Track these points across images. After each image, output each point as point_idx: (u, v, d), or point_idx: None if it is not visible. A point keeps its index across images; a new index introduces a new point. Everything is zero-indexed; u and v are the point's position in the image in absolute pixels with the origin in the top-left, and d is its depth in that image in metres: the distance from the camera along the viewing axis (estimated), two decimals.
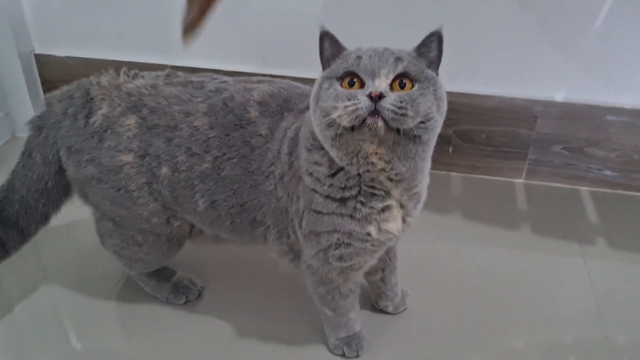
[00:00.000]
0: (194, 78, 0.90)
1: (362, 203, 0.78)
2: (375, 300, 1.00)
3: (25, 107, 1.41)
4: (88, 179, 0.88)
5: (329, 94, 0.72)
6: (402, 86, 0.72)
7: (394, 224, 0.80)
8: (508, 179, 1.33)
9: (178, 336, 0.96)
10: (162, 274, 1.03)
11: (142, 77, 0.91)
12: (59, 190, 0.93)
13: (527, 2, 1.18)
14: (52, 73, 1.41)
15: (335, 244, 0.81)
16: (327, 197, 0.79)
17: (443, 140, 1.32)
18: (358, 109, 0.69)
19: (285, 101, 0.86)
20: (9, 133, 1.45)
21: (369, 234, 0.79)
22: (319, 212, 0.80)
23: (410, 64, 0.72)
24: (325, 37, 0.75)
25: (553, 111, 1.25)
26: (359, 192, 0.77)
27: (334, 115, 0.70)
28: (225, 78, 0.91)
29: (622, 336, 0.96)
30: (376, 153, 0.73)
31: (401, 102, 0.69)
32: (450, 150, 1.33)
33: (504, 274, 1.07)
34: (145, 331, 0.97)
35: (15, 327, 0.98)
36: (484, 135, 1.29)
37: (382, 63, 0.71)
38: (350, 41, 0.76)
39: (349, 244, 0.81)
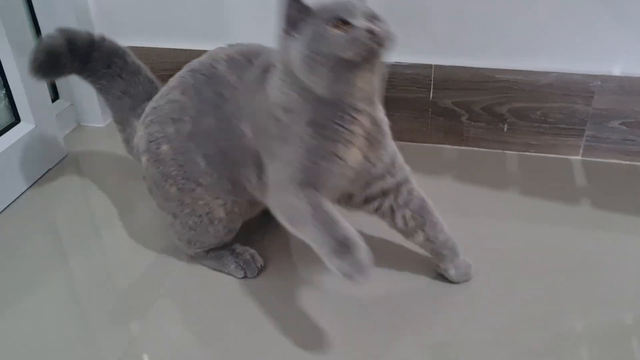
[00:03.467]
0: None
1: (333, 124, 0.83)
2: (437, 266, 0.99)
3: (89, 97, 1.47)
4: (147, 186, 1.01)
5: (321, 43, 0.78)
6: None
7: (358, 151, 0.86)
8: (565, 157, 1.32)
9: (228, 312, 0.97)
10: (224, 249, 1.03)
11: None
12: None
13: None
14: None
15: (308, 166, 0.84)
16: (286, 109, 0.85)
17: (497, 118, 1.32)
18: (364, 40, 0.76)
19: (254, 55, 0.92)
20: (74, 122, 1.52)
21: (339, 157, 0.84)
22: (285, 136, 0.85)
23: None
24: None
25: (610, 86, 1.23)
26: (334, 115, 0.83)
27: (340, 51, 0.77)
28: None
29: None
30: (364, 78, 0.81)
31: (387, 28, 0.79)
32: (505, 129, 1.32)
33: (564, 252, 1.06)
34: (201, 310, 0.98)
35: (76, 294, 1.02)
36: (539, 112, 1.29)
37: (354, 8, 0.79)
38: None
39: (318, 164, 0.84)
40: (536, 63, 1.26)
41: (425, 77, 1.32)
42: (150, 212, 1.14)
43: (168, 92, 0.95)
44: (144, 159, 0.97)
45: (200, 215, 0.96)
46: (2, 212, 1.20)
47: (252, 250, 1.03)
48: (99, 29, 1.45)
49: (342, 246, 0.79)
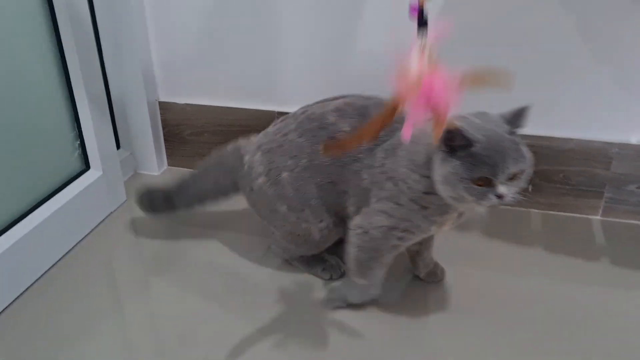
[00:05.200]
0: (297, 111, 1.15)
1: (436, 212, 0.99)
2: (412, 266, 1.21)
3: (148, 147, 1.60)
4: (248, 198, 1.20)
5: (460, 184, 0.90)
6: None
7: (449, 225, 1.04)
8: (585, 216, 1.42)
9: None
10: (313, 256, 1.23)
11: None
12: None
13: (604, 53, 1.29)
14: (172, 118, 1.60)
15: (402, 229, 1.02)
16: (412, 200, 0.99)
17: None
18: (486, 203, 0.90)
19: (362, 107, 1.06)
20: (132, 170, 1.65)
21: (429, 230, 1.03)
22: (399, 204, 1.01)
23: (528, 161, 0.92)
24: (456, 134, 0.88)
25: (628, 153, 1.34)
26: (439, 206, 0.98)
27: (462, 199, 0.92)
28: (315, 110, 1.12)
29: None
30: None
31: (517, 192, 0.92)
32: (530, 189, 1.43)
33: (583, 307, 1.14)
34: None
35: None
36: (562, 175, 1.39)
37: (508, 163, 0.89)
38: None
39: (412, 232, 1.03)
40: (559, 130, 1.37)
41: None
42: (200, 255, 1.26)
43: (287, 132, 1.12)
44: (260, 180, 1.14)
45: (298, 235, 1.14)
46: (65, 255, 1.30)
47: (337, 258, 1.23)
48: (160, 89, 1.59)
49: (364, 291, 1.11)
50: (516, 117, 0.94)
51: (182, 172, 1.39)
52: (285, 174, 1.11)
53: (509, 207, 1.45)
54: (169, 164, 1.68)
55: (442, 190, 0.93)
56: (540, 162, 1.39)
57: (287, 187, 1.11)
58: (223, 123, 1.57)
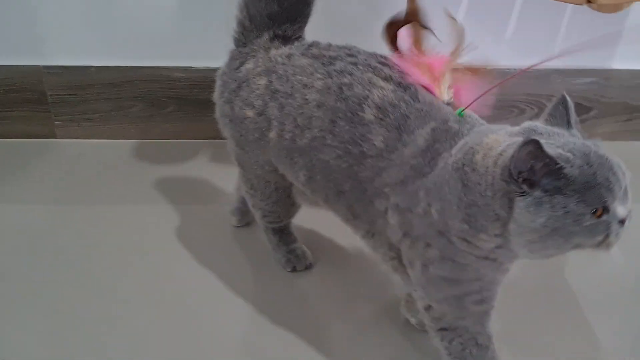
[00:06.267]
0: (331, 52, 0.93)
1: (509, 260, 0.80)
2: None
3: None
4: (224, 115, 1.03)
5: (577, 227, 0.66)
6: None
7: None
8: None
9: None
10: (285, 237, 1.18)
11: (289, 46, 0.98)
12: None
13: None
14: None
15: (476, 290, 0.81)
16: (480, 257, 0.77)
17: None
18: (614, 238, 0.69)
19: (403, 117, 0.83)
20: None
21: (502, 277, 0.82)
22: (462, 264, 0.78)
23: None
24: (537, 155, 0.66)
25: None
26: (511, 256, 0.78)
27: (577, 247, 0.69)
28: (360, 57, 0.92)
29: None
30: None
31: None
32: None
33: None
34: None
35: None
36: None
37: (618, 173, 0.68)
38: None
39: (489, 289, 0.82)
40: None
41: None
42: None
43: (308, 85, 0.91)
44: (248, 112, 0.96)
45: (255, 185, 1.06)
46: None
47: (305, 247, 1.20)
48: None
49: None
50: (563, 111, 0.75)
51: None
52: (273, 133, 0.94)
53: None
54: None
55: (540, 248, 0.70)
56: None
57: (271, 147, 0.95)
58: None
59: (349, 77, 0.88)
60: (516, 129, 0.77)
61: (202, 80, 1.46)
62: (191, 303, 1.12)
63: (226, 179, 1.41)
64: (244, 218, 1.29)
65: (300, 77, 0.91)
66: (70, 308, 1.10)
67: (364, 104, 0.85)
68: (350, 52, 0.92)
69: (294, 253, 1.18)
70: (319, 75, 0.90)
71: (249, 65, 0.98)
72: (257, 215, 1.15)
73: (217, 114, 1.06)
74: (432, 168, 0.79)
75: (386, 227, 0.86)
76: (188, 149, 1.54)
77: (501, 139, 0.74)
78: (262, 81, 0.95)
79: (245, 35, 1.02)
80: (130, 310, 1.10)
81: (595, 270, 1.19)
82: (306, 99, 0.90)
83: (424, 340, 0.99)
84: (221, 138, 1.51)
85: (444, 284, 0.81)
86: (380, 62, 0.91)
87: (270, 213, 1.12)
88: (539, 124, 0.76)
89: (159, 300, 1.12)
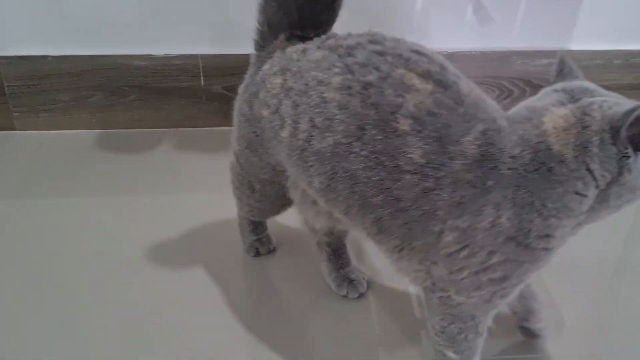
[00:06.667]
0: (349, 41, 0.82)
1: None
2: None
3: None
4: (242, 114, 0.96)
5: None
6: None
7: None
8: None
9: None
10: (256, 226, 1.17)
11: (307, 42, 0.89)
12: None
13: None
14: None
15: (514, 284, 0.78)
16: (549, 248, 0.75)
17: None
18: None
19: (445, 127, 0.73)
20: None
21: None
22: (521, 261, 0.75)
23: None
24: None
25: None
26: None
27: None
28: (387, 44, 0.80)
29: None
30: None
31: None
32: None
33: None
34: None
35: None
36: None
37: None
38: None
39: (522, 280, 0.79)
40: None
41: (194, 66, 1.44)
42: None
43: (327, 82, 0.80)
44: (264, 112, 0.89)
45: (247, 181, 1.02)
46: None
47: (269, 234, 1.20)
48: None
49: None
50: (569, 69, 0.79)
51: None
52: (286, 132, 0.84)
53: None
54: None
55: (628, 205, 0.74)
56: None
57: (283, 146, 0.86)
58: None
59: (375, 73, 0.76)
60: (569, 89, 0.75)
61: (163, 67, 1.45)
62: (158, 291, 1.12)
63: (190, 167, 1.40)
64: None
65: (314, 73, 0.81)
66: (29, 302, 1.08)
67: (398, 113, 0.74)
68: (374, 39, 0.81)
69: (260, 241, 1.19)
70: (336, 70, 0.78)
71: (266, 66, 0.91)
72: (242, 209, 1.12)
73: (235, 112, 0.99)
74: (495, 179, 0.72)
75: (433, 244, 0.77)
76: (151, 137, 1.53)
77: (567, 113, 0.72)
78: (278, 80, 0.87)
79: (264, 39, 0.95)
80: (89, 304, 1.09)
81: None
82: (323, 98, 0.79)
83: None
84: (184, 126, 1.51)
85: (490, 284, 0.77)
86: (414, 51, 0.79)
87: (260, 210, 1.09)
88: (587, 83, 0.76)
89: (120, 291, 1.11)
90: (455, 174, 0.72)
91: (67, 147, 1.52)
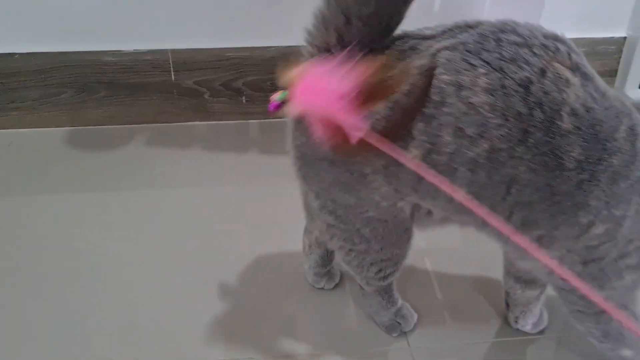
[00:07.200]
0: (468, 36, 0.71)
1: None
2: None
3: None
4: (322, 158, 0.79)
5: None
6: None
7: None
8: None
9: None
10: (391, 294, 0.99)
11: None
12: None
13: None
14: None
15: None
16: None
17: (235, 92, 1.47)
18: None
19: (599, 122, 0.69)
20: None
21: None
22: None
23: None
24: None
25: None
26: None
27: None
28: (523, 31, 0.70)
29: None
30: None
31: None
32: (244, 101, 1.48)
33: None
34: None
35: None
36: (269, 83, 1.45)
37: None
38: None
39: None
40: (260, 40, 1.42)
41: (164, 62, 1.43)
42: None
43: (471, 85, 0.69)
44: None
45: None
46: None
47: (408, 305, 1.02)
48: None
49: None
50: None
51: None
52: (415, 152, 0.72)
53: (227, 122, 1.51)
54: None
55: None
56: (247, 73, 1.45)
57: (405, 167, 0.72)
58: None
59: (527, 68, 0.68)
60: None
61: (133, 63, 1.44)
62: (136, 288, 1.11)
63: (163, 162, 1.39)
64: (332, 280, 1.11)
65: (447, 77, 0.69)
66: (3, 301, 1.08)
67: (562, 110, 0.68)
68: (505, 28, 0.71)
69: (400, 313, 1.00)
70: (481, 70, 0.68)
71: None
72: (366, 275, 0.92)
73: (310, 160, 0.81)
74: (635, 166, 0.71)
75: (578, 236, 0.75)
76: (123, 134, 1.52)
77: None
78: None
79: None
80: (69, 301, 1.09)
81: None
82: (471, 103, 0.68)
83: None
84: (156, 121, 1.50)
85: (628, 271, 0.78)
86: (553, 38, 0.72)
87: (388, 262, 0.90)
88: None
89: (100, 290, 1.11)
90: (613, 168, 0.70)
91: (37, 145, 1.50)
